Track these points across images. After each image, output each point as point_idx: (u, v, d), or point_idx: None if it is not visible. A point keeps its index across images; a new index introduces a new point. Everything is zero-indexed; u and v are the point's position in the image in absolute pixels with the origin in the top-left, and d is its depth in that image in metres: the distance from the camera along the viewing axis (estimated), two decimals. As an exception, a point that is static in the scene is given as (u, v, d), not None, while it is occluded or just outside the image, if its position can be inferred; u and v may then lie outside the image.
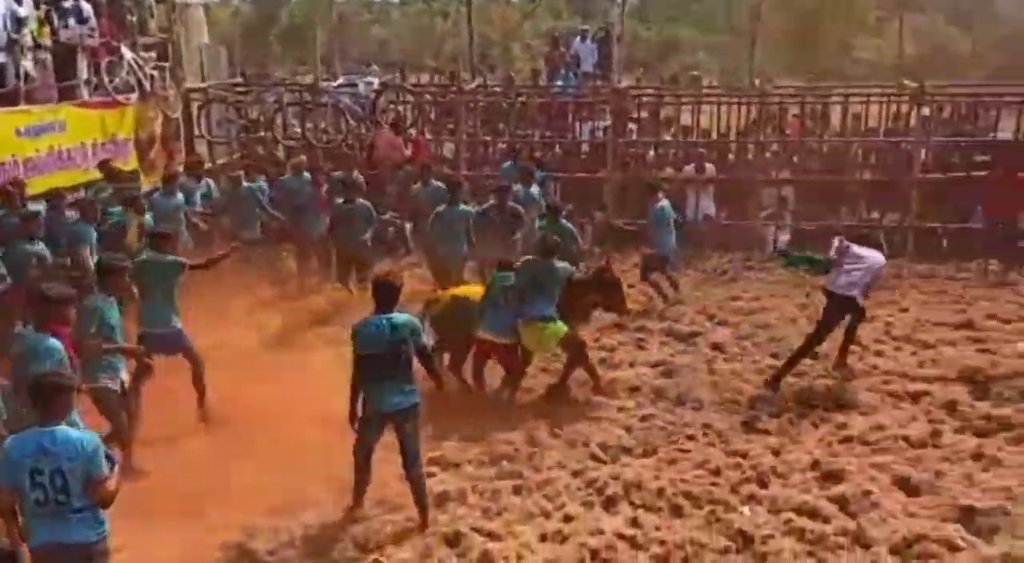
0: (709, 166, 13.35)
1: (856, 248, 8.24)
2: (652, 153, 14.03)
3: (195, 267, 7.73)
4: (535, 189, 11.09)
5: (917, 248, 12.58)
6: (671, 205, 10.83)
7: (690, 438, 7.31)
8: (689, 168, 13.32)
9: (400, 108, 14.34)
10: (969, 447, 7.00)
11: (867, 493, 6.25)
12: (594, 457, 6.99)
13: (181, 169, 11.30)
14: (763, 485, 6.53)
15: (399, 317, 5.91)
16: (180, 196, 10.30)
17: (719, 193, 13.49)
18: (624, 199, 13.04)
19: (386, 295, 5.94)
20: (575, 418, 7.61)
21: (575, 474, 6.70)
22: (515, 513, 6.16)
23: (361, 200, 10.50)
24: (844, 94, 14.01)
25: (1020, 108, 12.76)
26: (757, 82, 13.76)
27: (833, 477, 6.54)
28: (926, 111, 13.13)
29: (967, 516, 6.04)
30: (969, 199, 12.45)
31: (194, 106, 13.57)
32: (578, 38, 16.22)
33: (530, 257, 8.02)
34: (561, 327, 7.77)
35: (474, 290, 8.32)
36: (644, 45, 30.23)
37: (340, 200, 10.58)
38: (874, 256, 8.24)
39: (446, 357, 8.06)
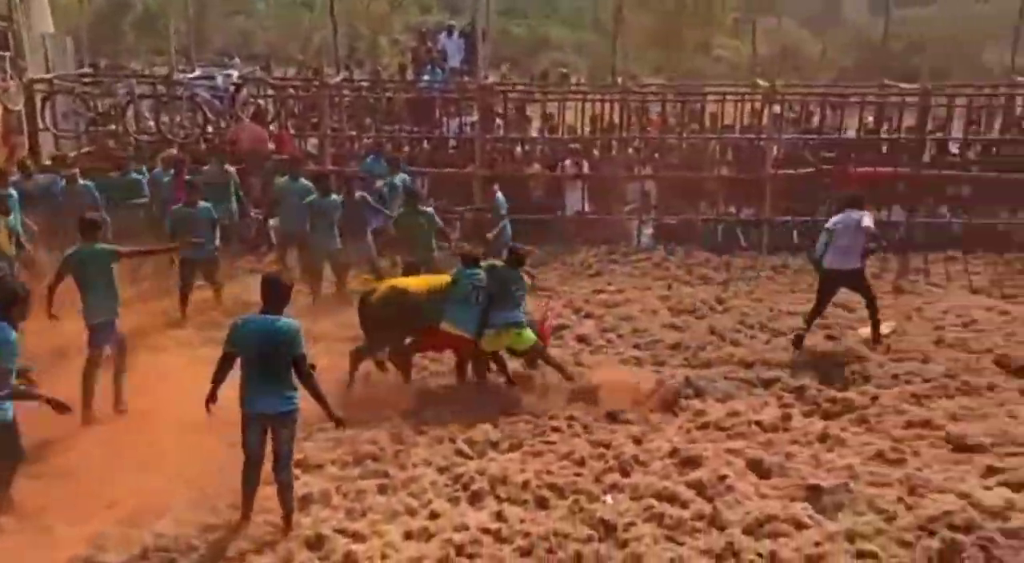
0: (568, 162, 13.62)
1: (836, 223, 8.89)
2: (519, 149, 14.13)
3: (132, 254, 7.72)
4: (399, 178, 11.16)
5: (772, 241, 13.14)
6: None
7: (555, 430, 7.40)
8: (568, 164, 13.51)
9: (262, 102, 13.94)
10: (816, 429, 7.37)
11: (722, 477, 6.47)
12: (460, 453, 7.00)
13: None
14: (625, 474, 6.68)
15: (281, 321, 5.74)
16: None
17: (586, 188, 13.74)
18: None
19: (273, 294, 5.79)
20: (441, 415, 7.60)
21: (441, 470, 6.69)
22: (380, 512, 6.10)
23: (203, 203, 9.88)
24: (702, 93, 14.49)
25: (862, 107, 13.53)
26: (620, 80, 14.05)
27: (691, 463, 6.75)
28: (777, 109, 13.75)
29: (814, 495, 6.33)
30: (818, 194, 13.12)
31: (38, 98, 12.81)
32: (444, 33, 16.18)
33: (497, 264, 8.22)
34: (531, 334, 8.02)
35: (412, 282, 8.34)
36: (514, 42, 30.46)
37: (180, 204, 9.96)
38: (848, 218, 8.87)
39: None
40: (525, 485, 6.43)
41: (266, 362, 5.66)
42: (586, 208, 13.65)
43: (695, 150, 14.00)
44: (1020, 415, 7.63)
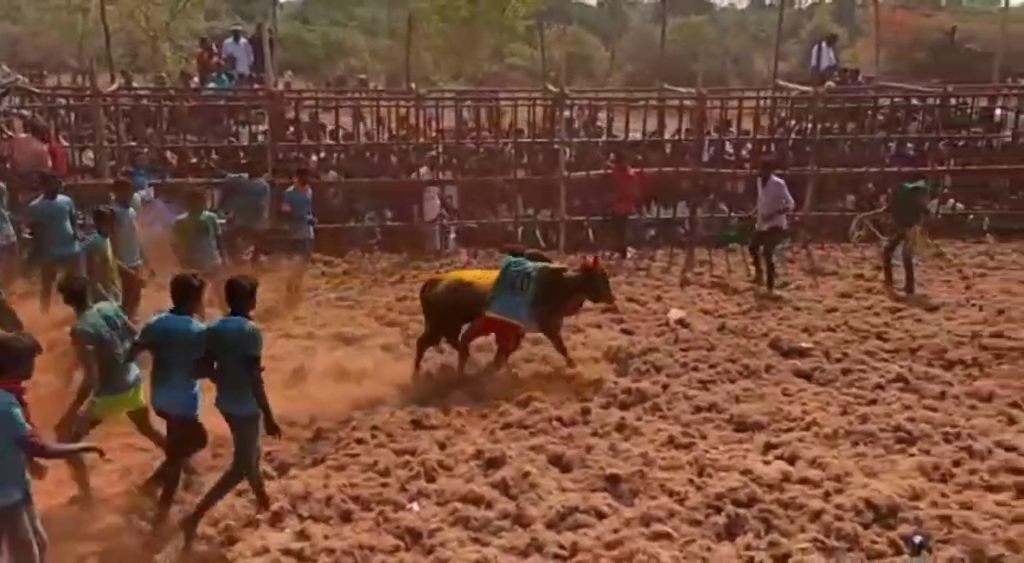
0: (424, 168, 13.56)
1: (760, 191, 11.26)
2: (314, 158, 13.83)
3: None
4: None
5: (568, 240, 13.56)
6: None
7: (360, 442, 7.29)
8: (424, 171, 13.52)
9: (28, 113, 12.88)
10: (614, 420, 7.66)
11: (526, 474, 6.60)
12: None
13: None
14: (430, 479, 6.67)
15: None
16: None
17: (390, 195, 13.66)
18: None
19: (180, 294, 5.88)
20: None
21: (239, 493, 6.41)
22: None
23: None
24: (495, 98, 14.76)
25: (646, 111, 14.25)
26: (414, 85, 14.06)
27: (495, 463, 6.84)
28: (568, 113, 14.22)
29: (613, 484, 6.59)
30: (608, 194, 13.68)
31: None
32: (230, 39, 15.60)
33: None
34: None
35: (473, 274, 9.02)
36: (308, 48, 29.90)
37: None
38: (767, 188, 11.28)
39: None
40: (328, 500, 6.29)
41: (168, 357, 5.91)
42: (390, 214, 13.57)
43: (491, 154, 14.22)
44: (793, 393, 8.27)
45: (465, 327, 8.66)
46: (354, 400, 8.04)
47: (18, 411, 4.71)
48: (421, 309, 9.05)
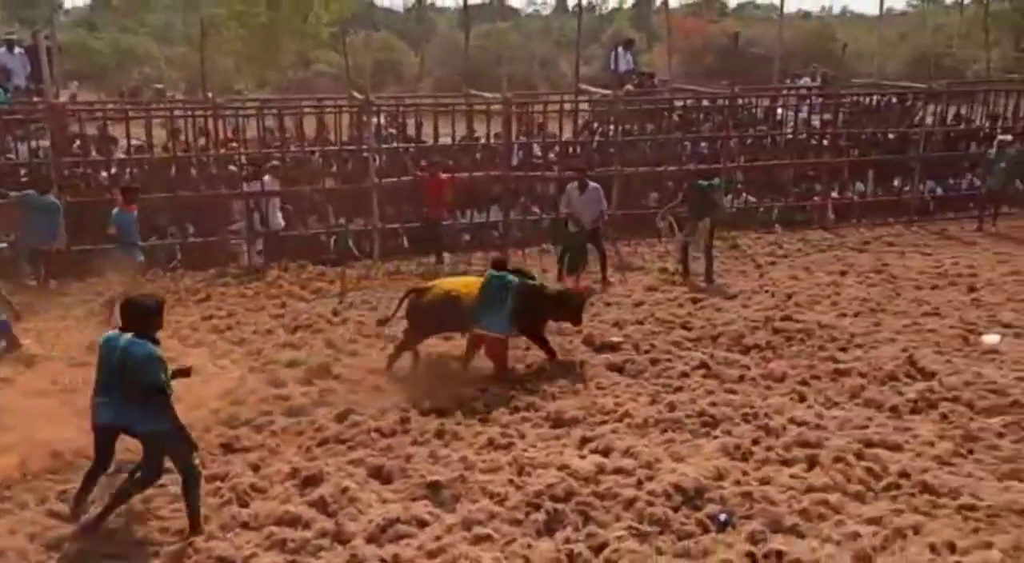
0: (267, 178, 13.05)
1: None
2: (105, 173, 12.97)
3: None
4: None
5: (382, 248, 13.43)
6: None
7: (167, 471, 6.86)
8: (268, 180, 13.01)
9: None
10: (433, 427, 7.63)
11: (345, 490, 6.45)
12: (53, 514, 6.23)
13: None
14: (243, 504, 6.39)
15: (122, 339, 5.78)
16: None
17: (191, 209, 13.02)
18: (82, 222, 11.88)
19: (131, 315, 5.85)
20: (42, 469, 6.76)
21: (31, 537, 5.90)
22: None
23: None
24: (299, 106, 14.41)
25: (453, 116, 14.31)
26: (211, 94, 13.50)
27: (312, 481, 6.64)
28: (375, 120, 14.07)
29: (434, 491, 6.56)
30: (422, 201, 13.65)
31: None
32: (3, 49, 14.38)
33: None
34: None
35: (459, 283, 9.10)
36: (95, 56, 28.10)
37: None
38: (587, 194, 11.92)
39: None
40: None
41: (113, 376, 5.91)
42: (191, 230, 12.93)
43: (298, 163, 13.87)
44: (606, 387, 8.54)
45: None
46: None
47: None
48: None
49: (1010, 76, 20.11)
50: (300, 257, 12.89)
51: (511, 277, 8.77)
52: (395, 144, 14.57)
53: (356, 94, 14.18)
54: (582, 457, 7.06)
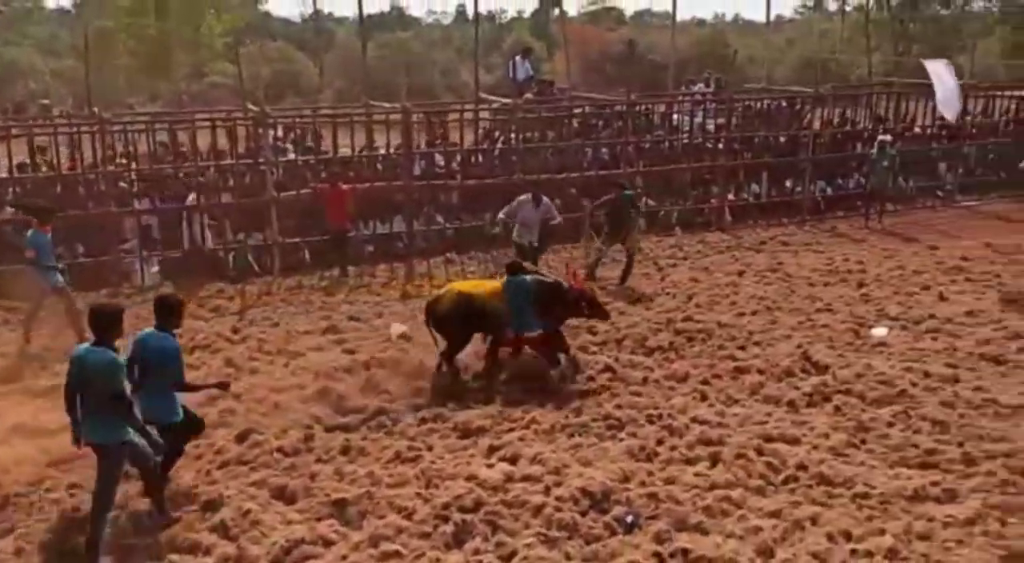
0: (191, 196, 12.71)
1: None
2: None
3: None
4: None
5: (283, 262, 13.17)
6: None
7: (55, 503, 6.59)
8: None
9: None
10: (338, 444, 7.49)
11: (246, 513, 6.29)
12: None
13: None
14: (141, 532, 6.16)
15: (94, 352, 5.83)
16: None
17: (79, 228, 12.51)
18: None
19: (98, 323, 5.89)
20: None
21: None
22: None
23: None
24: (191, 120, 14.02)
25: (352, 127, 14.17)
26: (96, 110, 13.02)
27: (212, 506, 6.44)
28: (272, 133, 13.81)
29: (340, 509, 6.44)
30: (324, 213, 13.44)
31: None
32: None
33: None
34: None
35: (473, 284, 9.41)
36: (-27, 70, 26.85)
37: None
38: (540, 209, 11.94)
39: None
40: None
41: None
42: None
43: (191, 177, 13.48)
44: (512, 396, 8.51)
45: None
46: (49, 458, 7.25)
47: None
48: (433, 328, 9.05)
49: (890, 79, 21.06)
50: (195, 274, 12.51)
51: (528, 278, 9.03)
52: (293, 156, 14.29)
53: (252, 106, 13.88)
54: (490, 466, 7.04)
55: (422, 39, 40.88)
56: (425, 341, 9.15)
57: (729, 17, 62.99)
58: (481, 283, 9.56)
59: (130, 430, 5.92)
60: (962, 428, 7.60)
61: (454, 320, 8.87)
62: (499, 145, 15.70)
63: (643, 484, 6.74)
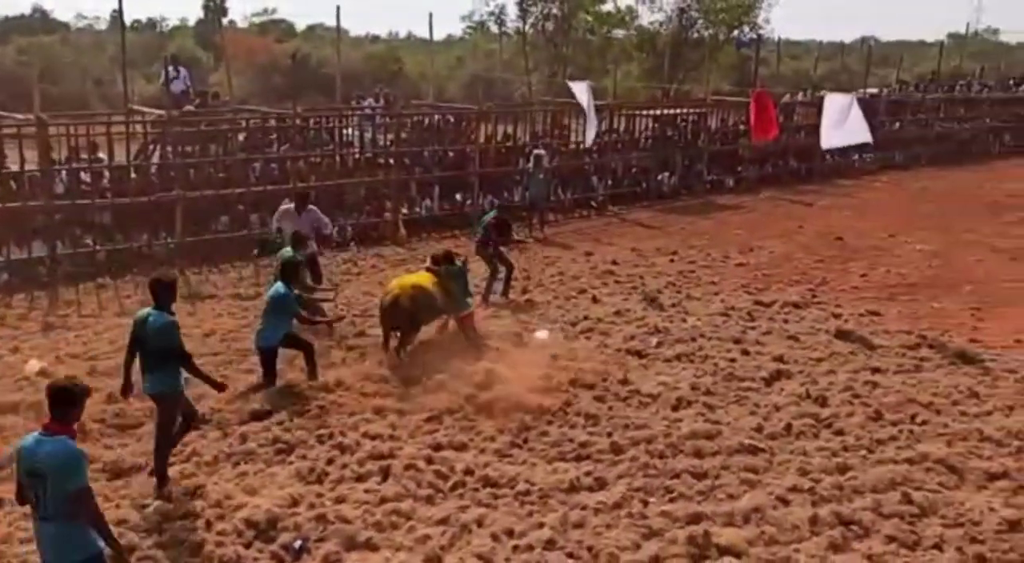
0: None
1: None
2: None
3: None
4: None
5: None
6: None
7: None
8: None
9: None
10: None
11: None
12: None
13: None
14: None
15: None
16: None
17: None
18: None
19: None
20: None
21: None
22: None
23: None
24: None
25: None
26: None
27: None
28: None
29: None
30: None
31: None
32: None
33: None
34: None
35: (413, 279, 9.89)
36: None
37: None
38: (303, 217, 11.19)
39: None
40: None
41: None
42: None
43: None
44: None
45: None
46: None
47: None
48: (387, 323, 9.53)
49: (545, 98, 22.62)
50: None
51: (457, 264, 10.14)
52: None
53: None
54: (143, 507, 6.49)
55: (72, 45, 37.41)
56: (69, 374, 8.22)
57: (403, 34, 64.32)
58: (417, 276, 10.02)
59: (182, 382, 6.66)
60: (611, 420, 8.24)
61: (417, 314, 9.49)
62: (155, 160, 14.66)
63: (312, 507, 6.57)
